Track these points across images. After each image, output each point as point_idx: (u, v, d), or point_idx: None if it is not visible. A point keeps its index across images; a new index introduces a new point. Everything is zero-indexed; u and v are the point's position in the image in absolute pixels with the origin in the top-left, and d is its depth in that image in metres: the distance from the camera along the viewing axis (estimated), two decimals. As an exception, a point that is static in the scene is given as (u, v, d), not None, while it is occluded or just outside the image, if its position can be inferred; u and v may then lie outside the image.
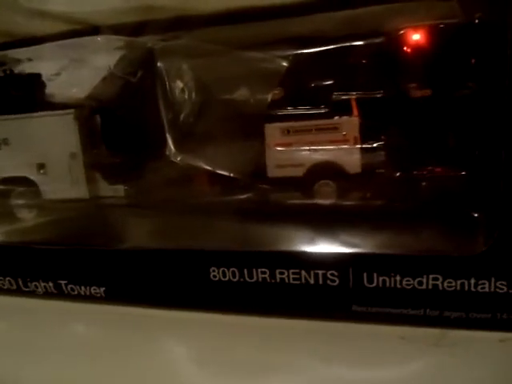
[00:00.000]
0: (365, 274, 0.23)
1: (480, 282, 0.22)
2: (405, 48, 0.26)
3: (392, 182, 0.28)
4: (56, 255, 0.29)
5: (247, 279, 0.25)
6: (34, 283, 0.30)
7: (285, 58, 0.29)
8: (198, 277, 0.26)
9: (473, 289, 0.22)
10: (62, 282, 0.29)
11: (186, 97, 0.32)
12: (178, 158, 0.31)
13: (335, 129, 0.28)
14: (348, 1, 0.26)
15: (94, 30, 0.30)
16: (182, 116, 0.32)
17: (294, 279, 0.24)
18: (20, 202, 0.35)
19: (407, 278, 0.23)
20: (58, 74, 0.33)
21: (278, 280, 0.25)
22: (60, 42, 0.31)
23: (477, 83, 0.25)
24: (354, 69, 0.28)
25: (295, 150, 0.29)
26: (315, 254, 0.24)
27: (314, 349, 0.23)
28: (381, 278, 0.23)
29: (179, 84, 0.32)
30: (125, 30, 0.30)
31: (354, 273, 0.23)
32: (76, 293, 0.29)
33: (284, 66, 0.29)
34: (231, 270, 0.25)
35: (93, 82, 0.32)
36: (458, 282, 0.22)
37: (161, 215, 0.31)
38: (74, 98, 0.32)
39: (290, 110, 0.29)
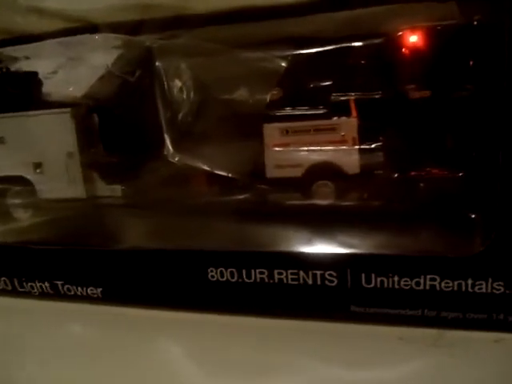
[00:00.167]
0: (363, 275, 0.23)
1: (477, 282, 0.22)
2: (403, 49, 0.26)
3: (390, 182, 0.28)
4: (52, 255, 0.29)
5: (245, 279, 0.25)
6: (30, 283, 0.30)
7: (284, 58, 0.29)
8: (196, 277, 0.26)
9: (470, 289, 0.22)
10: (59, 283, 0.29)
11: (185, 96, 0.32)
12: (176, 158, 0.31)
13: (334, 129, 0.28)
14: (347, 1, 0.26)
15: (92, 28, 0.30)
16: (180, 115, 0.32)
17: (292, 280, 0.24)
18: (16, 201, 0.35)
19: (405, 279, 0.23)
20: (55, 72, 0.33)
21: (276, 280, 0.25)
22: (57, 40, 0.31)
23: (475, 85, 0.25)
24: (353, 70, 0.28)
25: (294, 151, 0.29)
26: (313, 254, 0.24)
27: (312, 349, 0.23)
28: (379, 279, 0.23)
29: (177, 83, 0.32)
30: (123, 29, 0.30)
31: (352, 273, 0.23)
32: (73, 293, 0.29)
33: (283, 66, 0.29)
34: (229, 270, 0.25)
35: (90, 81, 0.31)
36: (456, 283, 0.22)
37: (158, 215, 0.31)
38: (71, 96, 0.32)
39: (289, 111, 0.29)
